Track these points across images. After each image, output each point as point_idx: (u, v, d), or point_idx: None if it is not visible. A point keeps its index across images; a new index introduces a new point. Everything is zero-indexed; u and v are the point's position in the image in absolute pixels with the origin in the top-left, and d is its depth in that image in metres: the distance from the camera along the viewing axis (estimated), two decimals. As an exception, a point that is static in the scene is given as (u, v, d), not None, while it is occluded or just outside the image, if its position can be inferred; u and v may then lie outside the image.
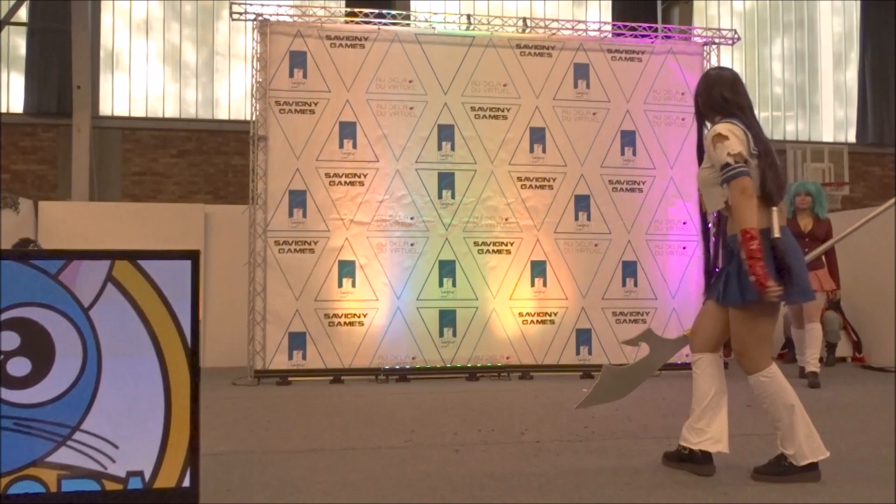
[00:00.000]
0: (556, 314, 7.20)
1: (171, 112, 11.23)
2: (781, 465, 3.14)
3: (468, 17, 7.59)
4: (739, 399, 5.30)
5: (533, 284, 7.20)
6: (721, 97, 3.29)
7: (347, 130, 7.06)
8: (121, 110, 11.15)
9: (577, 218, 7.31)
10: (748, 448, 3.80)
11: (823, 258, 6.35)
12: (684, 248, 7.42)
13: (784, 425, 3.13)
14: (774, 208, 3.07)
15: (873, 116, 12.57)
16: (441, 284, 7.08)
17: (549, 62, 7.39)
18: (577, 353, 7.18)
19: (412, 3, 11.37)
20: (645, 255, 7.36)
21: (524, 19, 7.65)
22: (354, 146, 7.06)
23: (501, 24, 7.47)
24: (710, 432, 3.25)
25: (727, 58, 11.95)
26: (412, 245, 7.07)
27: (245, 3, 7.01)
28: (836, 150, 11.96)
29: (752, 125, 3.20)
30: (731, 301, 3.14)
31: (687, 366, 7.38)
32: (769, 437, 4.10)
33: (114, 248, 2.98)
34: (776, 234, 3.03)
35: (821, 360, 8.06)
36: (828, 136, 12.88)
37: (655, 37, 7.69)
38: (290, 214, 6.95)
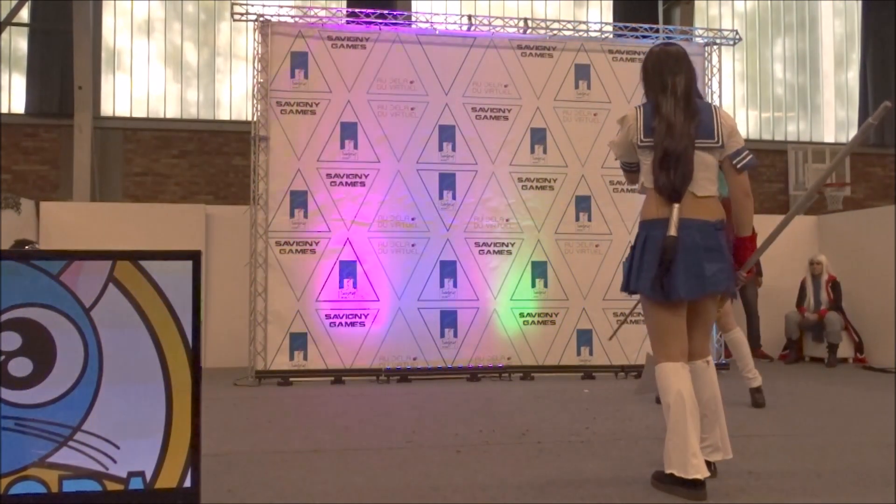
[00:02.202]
0: (556, 315, 7.20)
1: (173, 112, 11.22)
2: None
3: (469, 17, 7.59)
4: (740, 400, 5.30)
5: (534, 285, 7.20)
6: (652, 76, 3.17)
7: (348, 131, 7.07)
8: (122, 111, 11.14)
9: (577, 219, 7.32)
10: (749, 449, 3.80)
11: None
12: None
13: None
14: (676, 205, 2.93)
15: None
16: (442, 285, 7.08)
17: (550, 63, 7.39)
18: (578, 353, 7.18)
19: (413, 3, 11.36)
20: (646, 255, 7.35)
21: (525, 20, 7.64)
22: (355, 147, 7.07)
23: (502, 25, 7.47)
24: (708, 440, 3.14)
25: (728, 58, 11.94)
26: (413, 245, 7.08)
27: (246, 4, 7.01)
28: (838, 150, 11.95)
29: (660, 107, 3.05)
30: None
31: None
32: (770, 437, 4.11)
33: (115, 248, 2.98)
34: (672, 231, 2.90)
35: (824, 360, 8.08)
36: (829, 137, 12.86)
37: (656, 37, 7.69)
38: (292, 215, 6.95)
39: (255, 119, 7.00)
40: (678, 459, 2.88)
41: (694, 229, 2.96)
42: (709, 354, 3.19)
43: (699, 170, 3.01)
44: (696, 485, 2.85)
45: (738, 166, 3.07)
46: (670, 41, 3.28)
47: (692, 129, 3.00)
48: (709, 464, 3.15)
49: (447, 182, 7.19)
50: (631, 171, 3.27)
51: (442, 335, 7.04)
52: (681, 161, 2.97)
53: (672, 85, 3.10)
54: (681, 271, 2.94)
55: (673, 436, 2.90)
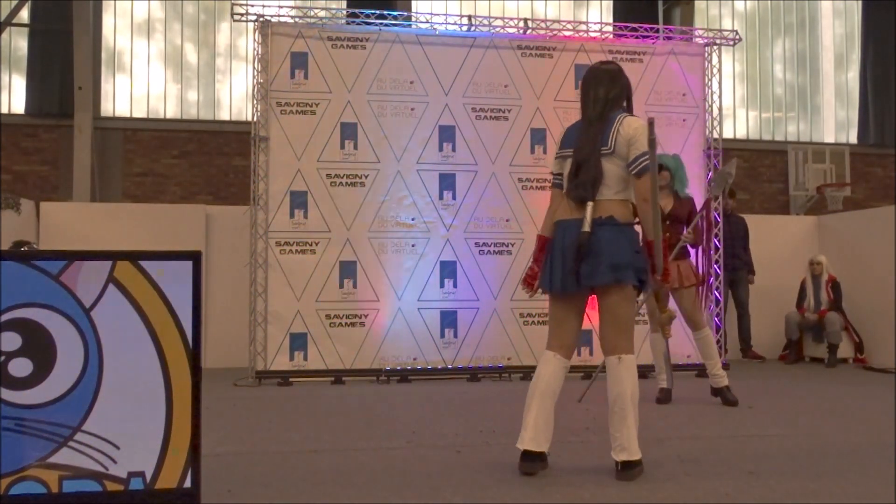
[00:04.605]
0: (557, 315, 7.18)
1: (173, 113, 11.23)
2: None
3: (469, 17, 7.59)
4: (740, 400, 5.30)
5: (534, 285, 7.19)
6: (581, 91, 3.45)
7: (348, 131, 7.07)
8: (122, 111, 11.15)
9: (578, 219, 7.30)
10: (749, 448, 3.80)
11: (687, 247, 5.50)
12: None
13: None
14: (590, 203, 3.17)
15: (874, 117, 12.56)
16: (442, 285, 7.08)
17: (550, 63, 7.39)
18: (579, 353, 7.14)
19: (413, 4, 11.37)
20: (646, 255, 7.34)
21: (525, 20, 7.64)
22: (355, 147, 7.06)
23: (502, 25, 7.47)
24: (618, 439, 3.21)
25: (728, 58, 11.95)
26: (413, 246, 7.07)
27: (246, 5, 7.01)
28: (838, 151, 11.96)
29: (581, 122, 3.37)
30: None
31: (689, 366, 7.37)
32: (770, 437, 4.11)
33: (115, 248, 2.98)
34: (585, 227, 3.14)
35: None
36: (829, 137, 12.86)
37: (656, 38, 7.69)
38: (292, 215, 6.95)
39: (255, 119, 7.00)
40: (524, 435, 3.23)
41: (573, 228, 3.20)
42: (621, 352, 3.21)
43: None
44: (523, 456, 3.21)
45: (633, 172, 3.21)
46: (608, 60, 3.45)
47: (598, 138, 3.25)
48: (618, 463, 3.20)
49: (447, 182, 7.18)
50: (555, 184, 3.47)
51: (442, 335, 7.04)
52: (585, 168, 3.22)
53: (593, 98, 3.34)
54: (557, 268, 3.23)
55: (529, 412, 3.26)
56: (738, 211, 8.69)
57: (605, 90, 3.31)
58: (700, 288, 5.55)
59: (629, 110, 3.36)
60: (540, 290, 3.40)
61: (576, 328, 3.35)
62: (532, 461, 3.21)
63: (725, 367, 7.15)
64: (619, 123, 3.24)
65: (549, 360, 3.30)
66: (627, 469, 3.16)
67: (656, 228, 3.21)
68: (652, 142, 3.02)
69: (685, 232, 5.35)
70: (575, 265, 3.15)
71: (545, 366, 3.29)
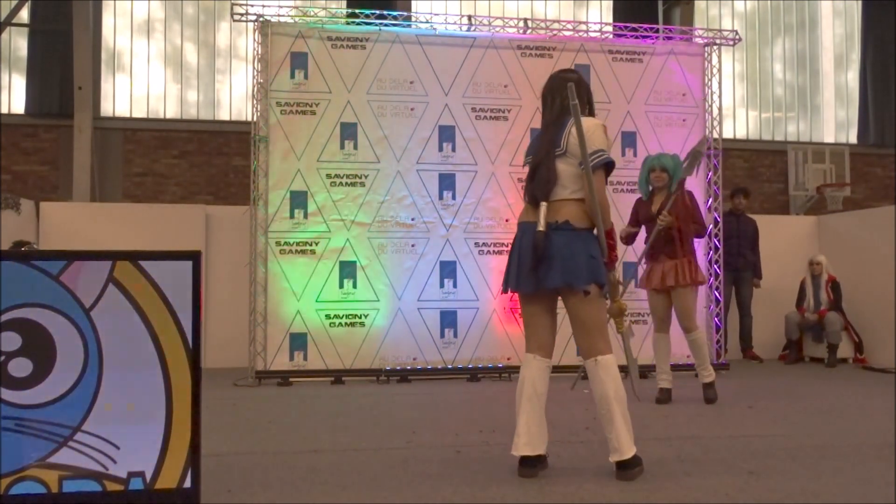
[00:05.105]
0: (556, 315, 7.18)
1: (173, 113, 11.23)
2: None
3: (469, 17, 7.59)
4: (740, 400, 5.30)
5: (534, 285, 7.19)
6: (542, 99, 3.49)
7: (348, 131, 7.07)
8: (122, 111, 11.15)
9: (578, 219, 7.30)
10: (749, 449, 3.80)
11: (683, 247, 5.37)
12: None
13: None
14: (544, 203, 3.23)
15: (874, 117, 12.56)
16: (442, 285, 7.08)
17: (550, 63, 7.38)
18: (578, 353, 7.14)
19: (413, 3, 11.37)
20: (646, 255, 7.34)
21: (525, 20, 7.65)
22: (355, 147, 7.07)
23: (502, 25, 7.47)
24: (610, 441, 3.22)
25: (728, 58, 11.94)
26: (413, 246, 7.08)
27: (246, 4, 7.01)
28: (838, 151, 11.96)
29: (541, 128, 3.44)
30: None
31: (689, 366, 7.37)
32: (770, 437, 4.11)
33: (115, 248, 2.98)
34: (540, 227, 3.21)
35: (822, 360, 8.09)
36: (829, 137, 12.86)
37: (656, 37, 7.69)
38: (291, 215, 6.95)
39: (254, 119, 7.00)
40: (518, 441, 3.22)
41: (530, 231, 3.27)
42: (596, 353, 3.28)
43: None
44: (521, 461, 3.22)
45: (583, 169, 3.21)
46: (569, 69, 3.58)
47: (553, 141, 3.29)
48: (615, 464, 3.20)
49: (447, 182, 7.19)
50: None
51: (442, 335, 7.05)
52: (539, 170, 3.28)
53: (550, 105, 3.39)
54: (514, 268, 3.34)
55: (522, 416, 3.26)
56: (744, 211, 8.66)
57: (562, 97, 3.33)
58: (696, 287, 5.51)
59: (590, 114, 3.37)
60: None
61: (549, 327, 3.44)
62: (531, 466, 3.23)
63: (725, 367, 7.19)
64: (572, 124, 3.25)
65: (530, 362, 3.35)
66: (625, 469, 3.16)
67: (599, 212, 3.22)
68: (575, 107, 3.06)
69: (661, 214, 5.29)
70: (533, 265, 3.22)
71: (527, 369, 3.33)
